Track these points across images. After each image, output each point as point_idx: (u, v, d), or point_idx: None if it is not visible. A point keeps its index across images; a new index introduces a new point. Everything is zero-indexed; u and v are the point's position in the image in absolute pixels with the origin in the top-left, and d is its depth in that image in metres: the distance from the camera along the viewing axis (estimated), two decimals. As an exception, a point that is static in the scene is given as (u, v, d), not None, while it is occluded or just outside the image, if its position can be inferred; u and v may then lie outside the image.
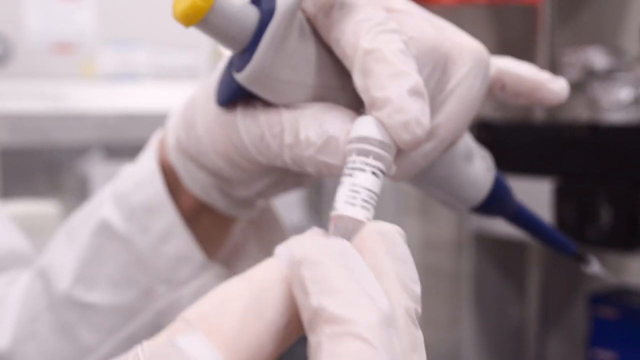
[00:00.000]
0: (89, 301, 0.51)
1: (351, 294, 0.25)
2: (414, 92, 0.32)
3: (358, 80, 0.34)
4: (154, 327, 0.51)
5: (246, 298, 0.27)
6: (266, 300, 0.27)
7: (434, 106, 0.37)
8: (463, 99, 0.38)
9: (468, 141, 0.44)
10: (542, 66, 2.10)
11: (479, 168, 0.44)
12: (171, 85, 1.92)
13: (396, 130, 0.32)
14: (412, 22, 0.36)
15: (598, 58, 1.83)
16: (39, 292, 0.53)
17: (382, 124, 0.33)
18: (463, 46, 0.38)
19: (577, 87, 1.89)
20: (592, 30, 2.06)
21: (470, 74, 0.38)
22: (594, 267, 0.50)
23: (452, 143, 0.39)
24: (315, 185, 2.08)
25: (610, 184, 1.63)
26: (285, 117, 0.37)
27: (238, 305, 0.26)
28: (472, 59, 0.38)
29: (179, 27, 0.36)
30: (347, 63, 0.35)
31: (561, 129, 1.76)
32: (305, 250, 0.27)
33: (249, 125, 0.39)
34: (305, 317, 0.26)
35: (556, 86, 0.43)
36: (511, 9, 2.05)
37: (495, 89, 0.43)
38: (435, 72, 0.37)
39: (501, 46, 2.08)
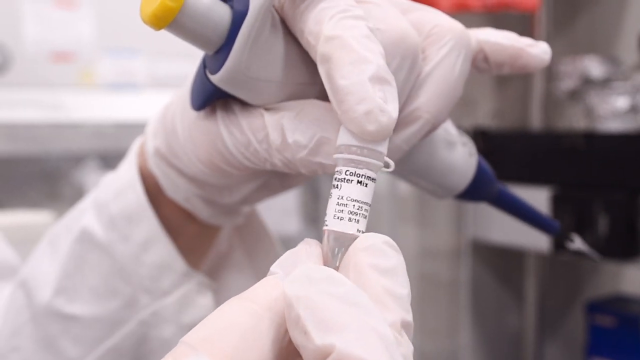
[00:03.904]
0: (71, 313, 0.50)
1: (356, 328, 0.25)
2: (376, 79, 0.31)
3: (321, 69, 0.33)
4: (138, 338, 0.51)
5: (248, 318, 0.26)
6: (269, 319, 0.27)
7: (412, 90, 0.37)
8: (444, 79, 0.37)
9: (449, 128, 0.44)
10: (539, 75, 2.10)
11: (461, 154, 0.44)
12: (169, 95, 1.92)
13: (359, 121, 0.31)
14: (379, 13, 0.35)
15: (594, 67, 1.83)
16: (21, 304, 0.52)
17: (345, 119, 0.31)
18: (443, 27, 0.38)
19: (573, 96, 1.89)
20: (589, 39, 2.06)
21: (451, 54, 0.37)
22: (577, 244, 0.50)
23: (434, 125, 0.38)
24: (312, 194, 2.07)
25: (607, 193, 1.62)
26: (268, 121, 0.37)
27: (241, 326, 0.26)
28: (452, 39, 0.38)
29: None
30: (312, 53, 0.34)
31: (558, 137, 1.76)
32: (296, 289, 0.26)
33: (233, 132, 0.38)
34: (308, 356, 0.25)
35: (537, 50, 0.41)
36: (507, 17, 2.05)
37: (478, 61, 0.41)
38: (405, 62, 0.35)
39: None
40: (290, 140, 0.36)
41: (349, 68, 0.31)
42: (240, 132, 0.38)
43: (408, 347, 0.27)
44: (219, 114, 0.39)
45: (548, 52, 0.42)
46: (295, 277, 0.27)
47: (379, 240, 0.29)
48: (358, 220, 0.31)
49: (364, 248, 0.29)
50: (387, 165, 0.33)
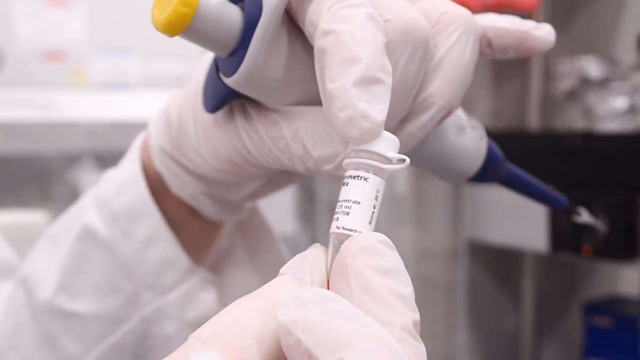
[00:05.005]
0: (72, 310, 0.49)
1: (363, 342, 0.24)
2: (363, 81, 0.30)
3: (316, 66, 0.32)
4: (140, 335, 0.50)
5: (258, 316, 0.26)
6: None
7: (425, 78, 0.37)
8: (455, 65, 0.37)
9: (458, 112, 0.44)
10: (537, 75, 2.10)
11: (471, 138, 0.44)
12: (162, 94, 1.91)
13: (342, 127, 0.30)
14: (388, 3, 0.35)
15: (593, 67, 1.83)
16: (21, 301, 0.51)
17: (332, 124, 0.31)
18: (451, 13, 0.38)
19: (571, 96, 1.89)
20: (587, 40, 2.07)
21: (460, 40, 0.37)
22: (585, 217, 0.51)
23: (449, 111, 0.38)
24: (308, 195, 2.07)
25: (606, 193, 1.62)
26: (286, 132, 0.37)
27: (250, 323, 0.26)
28: (461, 25, 0.38)
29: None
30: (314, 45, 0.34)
31: (556, 137, 1.76)
32: (290, 314, 0.25)
33: (253, 138, 0.39)
34: None
35: (542, 32, 0.41)
36: (505, 17, 2.05)
37: (482, 46, 0.41)
38: (417, 51, 0.35)
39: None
40: (314, 154, 0.36)
41: (337, 69, 0.30)
42: (259, 139, 0.38)
43: (421, 346, 0.27)
44: (238, 119, 0.39)
45: (552, 33, 0.42)
46: (286, 303, 0.26)
47: (374, 240, 0.28)
48: (338, 219, 0.31)
49: (360, 249, 0.28)
50: (402, 161, 0.32)
